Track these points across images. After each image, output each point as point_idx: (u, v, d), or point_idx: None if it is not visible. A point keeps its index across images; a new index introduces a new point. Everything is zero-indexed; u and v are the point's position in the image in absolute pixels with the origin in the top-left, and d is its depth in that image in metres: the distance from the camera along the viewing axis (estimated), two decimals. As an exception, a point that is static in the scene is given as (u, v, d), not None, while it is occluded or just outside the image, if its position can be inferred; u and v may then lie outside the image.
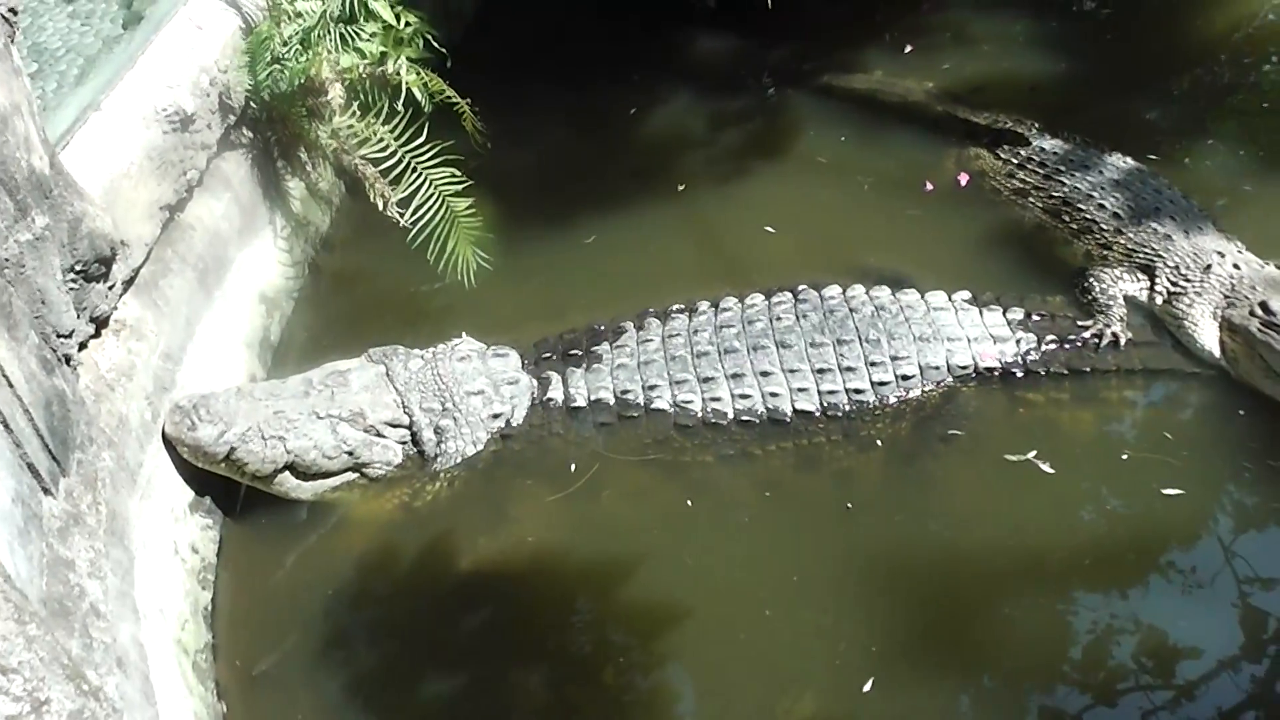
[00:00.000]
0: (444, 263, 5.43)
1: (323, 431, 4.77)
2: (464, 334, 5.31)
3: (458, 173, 5.51)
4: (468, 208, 5.49)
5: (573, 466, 4.99)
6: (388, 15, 5.82)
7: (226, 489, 4.80)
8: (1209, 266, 5.34)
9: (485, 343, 5.29)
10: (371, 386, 4.95)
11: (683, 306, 5.44)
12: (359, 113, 5.76)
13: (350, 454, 4.82)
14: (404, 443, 4.96)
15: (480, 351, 5.23)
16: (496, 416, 5.08)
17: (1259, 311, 5.09)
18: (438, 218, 5.45)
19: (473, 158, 5.86)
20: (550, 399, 5.15)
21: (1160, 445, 4.99)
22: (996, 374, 5.22)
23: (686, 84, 7.30)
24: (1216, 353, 5.23)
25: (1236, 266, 5.33)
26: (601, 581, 4.71)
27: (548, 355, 5.31)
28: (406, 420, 4.95)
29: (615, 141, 6.88)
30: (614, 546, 4.80)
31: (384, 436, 4.91)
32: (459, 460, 5.00)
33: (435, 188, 5.49)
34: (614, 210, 6.26)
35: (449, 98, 5.97)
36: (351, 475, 4.88)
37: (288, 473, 4.75)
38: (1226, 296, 5.26)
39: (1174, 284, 5.39)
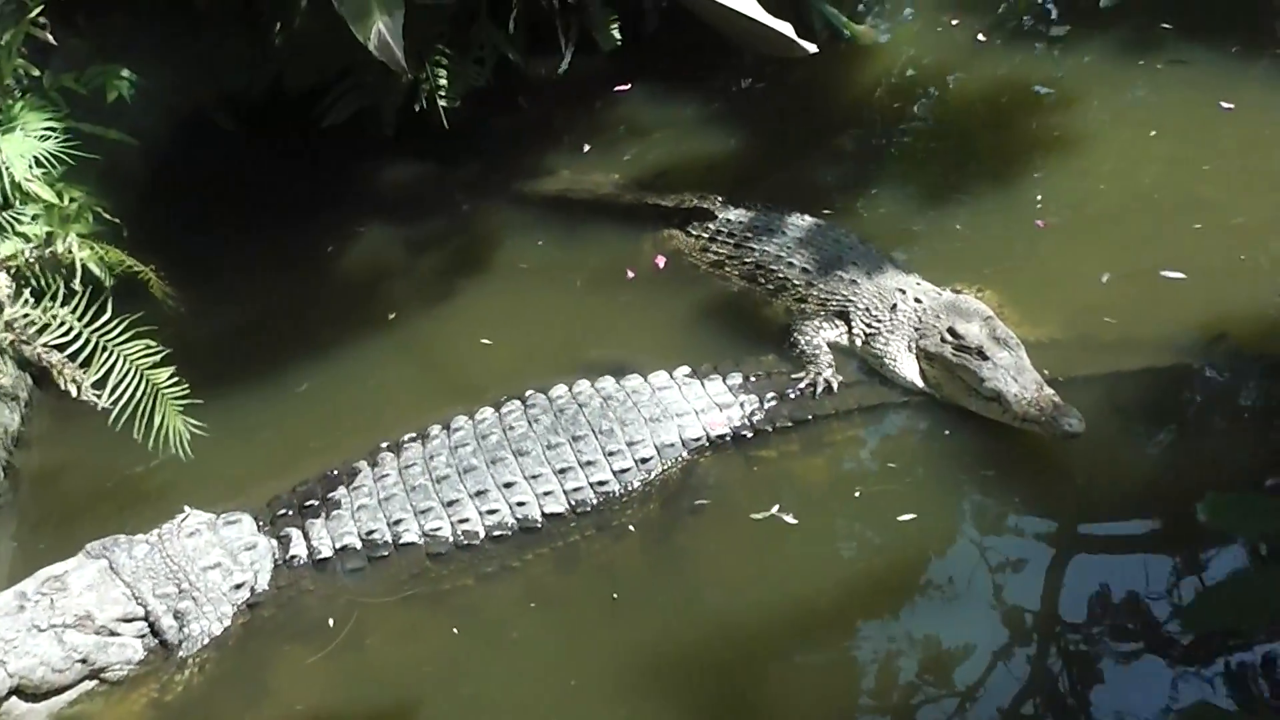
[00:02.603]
0: (154, 439, 5.16)
1: (47, 644, 4.41)
2: (187, 508, 5.03)
3: (153, 343, 5.30)
4: (170, 377, 5.26)
5: (330, 621, 4.78)
6: (48, 194, 5.57)
7: (-54, 734, 4.33)
8: (894, 305, 5.72)
9: (214, 512, 5.04)
10: (95, 584, 4.62)
11: (415, 435, 5.36)
12: (33, 299, 5.44)
13: (83, 661, 4.47)
14: (143, 636, 4.64)
15: (210, 523, 4.97)
16: (239, 587, 4.82)
17: (948, 337, 5.47)
18: (138, 394, 5.19)
19: (168, 325, 5.66)
20: (294, 556, 4.94)
21: (888, 475, 5.26)
22: (728, 439, 5.38)
23: (379, 214, 7.27)
24: (919, 383, 5.57)
25: (918, 300, 5.73)
26: (381, 733, 4.53)
27: (284, 512, 5.10)
28: (141, 612, 4.63)
29: (315, 283, 6.76)
30: (388, 694, 4.62)
31: (118, 634, 4.57)
32: (207, 641, 4.71)
33: (130, 363, 5.24)
34: (325, 352, 6.13)
35: (131, 268, 5.74)
36: (89, 684, 4.51)
37: (14, 698, 4.36)
38: (917, 329, 5.62)
39: (868, 325, 5.74)
